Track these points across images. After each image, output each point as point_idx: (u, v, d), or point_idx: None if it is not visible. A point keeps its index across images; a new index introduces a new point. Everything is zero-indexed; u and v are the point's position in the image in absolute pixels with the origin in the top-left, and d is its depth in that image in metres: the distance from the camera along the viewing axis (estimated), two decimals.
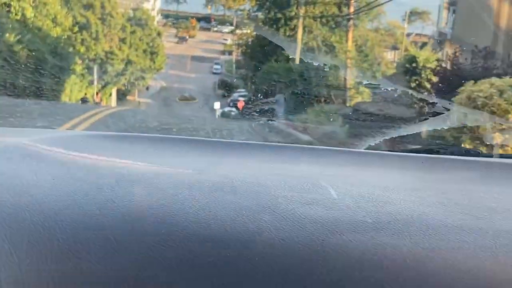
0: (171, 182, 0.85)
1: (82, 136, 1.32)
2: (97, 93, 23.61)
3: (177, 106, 45.73)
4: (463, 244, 0.65)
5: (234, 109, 41.24)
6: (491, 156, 1.38)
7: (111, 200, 0.71)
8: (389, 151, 1.37)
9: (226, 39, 47.30)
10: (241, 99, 40.49)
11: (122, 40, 26.04)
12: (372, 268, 0.59)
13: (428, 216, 0.74)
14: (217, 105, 37.21)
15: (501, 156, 1.41)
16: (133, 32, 26.55)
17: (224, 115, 40.46)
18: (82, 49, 22.46)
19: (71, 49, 20.89)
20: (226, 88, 50.59)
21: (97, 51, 23.69)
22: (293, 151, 1.24)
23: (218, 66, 54.55)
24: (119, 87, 27.62)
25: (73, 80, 19.23)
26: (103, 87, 25.47)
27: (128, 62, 26.45)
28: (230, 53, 51.55)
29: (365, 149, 1.53)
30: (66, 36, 20.01)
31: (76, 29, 21.49)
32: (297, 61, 13.98)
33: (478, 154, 1.44)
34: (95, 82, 22.22)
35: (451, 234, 0.68)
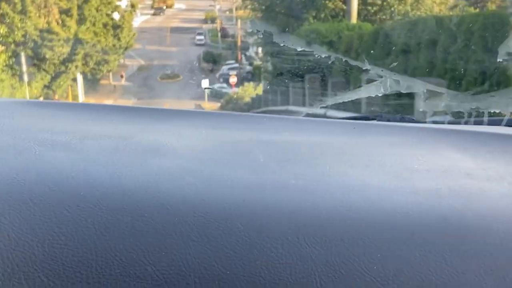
0: (94, 147, 0.83)
1: (7, 103, 1.24)
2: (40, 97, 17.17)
3: (159, 86, 40.87)
4: (380, 202, 0.68)
5: (225, 85, 36.41)
6: (425, 123, 1.43)
7: (31, 163, 0.72)
8: (324, 117, 1.51)
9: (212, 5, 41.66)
10: (232, 73, 35.55)
11: (66, 12, 18.71)
12: (291, 225, 0.60)
13: (350, 176, 0.77)
14: (205, 83, 32.31)
15: (434, 122, 1.45)
16: (85, 1, 19.17)
17: (214, 94, 35.44)
18: (2, 30, 16.18)
19: None
20: (212, 61, 45.67)
21: (26, 30, 17.02)
22: (230, 118, 1.23)
23: (201, 37, 49.60)
24: (66, 81, 20.02)
25: None
26: (49, 85, 18.90)
27: (78, 42, 18.88)
28: (213, 21, 45.81)
29: (303, 116, 1.53)
30: None
31: None
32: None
33: (413, 121, 1.44)
34: (25, 78, 15.67)
35: (370, 192, 0.70)
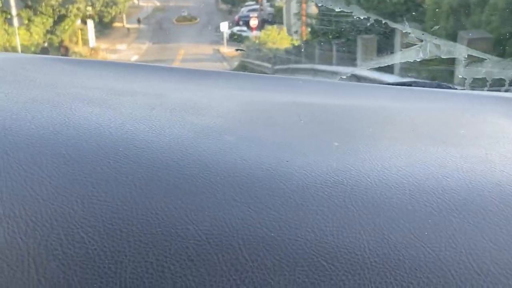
0: (130, 103, 0.80)
1: (40, 59, 1.20)
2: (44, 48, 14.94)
3: (175, 29, 39.00)
4: (429, 167, 0.65)
5: (244, 28, 34.40)
6: (463, 90, 1.39)
7: (68, 118, 0.70)
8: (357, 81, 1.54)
9: None
10: (253, 15, 33.48)
11: None
12: (338, 188, 0.58)
13: (396, 140, 0.74)
14: (223, 26, 30.41)
15: (473, 89, 1.44)
16: None
17: (233, 37, 33.46)
18: None
19: None
20: (231, 2, 43.37)
21: None
22: (262, 80, 1.21)
23: None
24: (72, 25, 17.62)
25: None
26: (52, 30, 16.45)
27: None
28: None
29: (340, 79, 1.51)
30: None
31: None
32: None
33: (450, 88, 1.39)
34: (15, 23, 13.43)
35: (418, 158, 0.67)
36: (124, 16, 37.21)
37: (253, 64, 14.46)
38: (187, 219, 0.51)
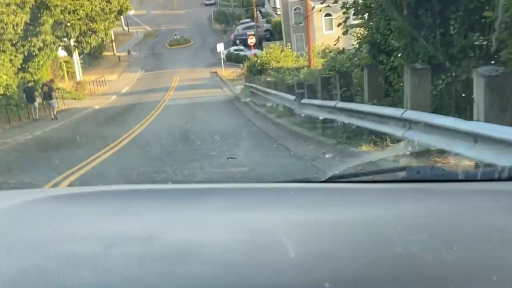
0: (120, 256, 0.78)
1: (15, 207, 1.16)
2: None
3: (168, 54, 36.93)
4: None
5: (242, 47, 32.29)
6: (457, 177, 1.32)
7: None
8: (351, 181, 1.36)
9: None
10: (249, 32, 31.40)
11: None
12: None
13: (393, 271, 0.73)
14: (219, 46, 28.33)
15: (466, 177, 1.32)
16: None
17: (230, 58, 31.29)
18: None
19: None
20: (225, 21, 41.36)
21: None
22: (245, 192, 1.21)
23: None
24: (48, 60, 15.44)
25: None
26: (24, 68, 14.30)
27: (42, 7, 13.67)
28: None
29: (325, 181, 1.35)
30: None
31: None
32: None
33: (443, 174, 1.38)
34: None
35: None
36: (113, 44, 35.20)
37: (260, 91, 12.21)
38: None
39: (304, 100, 7.56)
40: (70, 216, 1.05)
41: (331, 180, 1.33)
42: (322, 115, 6.34)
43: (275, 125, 8.29)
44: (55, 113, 13.83)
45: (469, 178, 1.32)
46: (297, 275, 0.72)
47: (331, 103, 5.97)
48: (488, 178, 1.30)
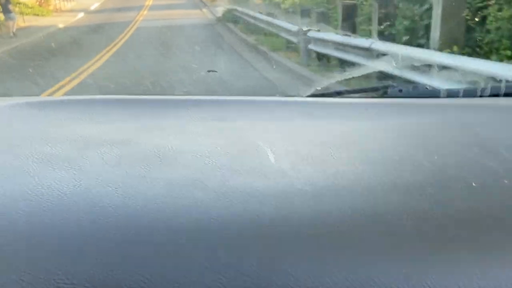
0: (96, 159, 0.79)
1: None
2: None
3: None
4: (400, 205, 0.66)
5: None
6: (438, 94, 1.33)
7: (26, 187, 0.69)
8: (334, 96, 1.37)
9: None
10: None
11: None
12: (312, 243, 0.58)
13: (370, 175, 0.73)
14: None
15: (449, 94, 1.33)
16: None
17: None
18: None
19: None
20: None
21: None
22: (226, 104, 1.18)
23: None
24: None
25: None
26: None
27: None
28: None
29: (307, 96, 1.36)
30: None
31: None
32: None
33: (427, 92, 1.37)
34: None
35: (395, 196, 0.68)
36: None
37: (248, 16, 10.61)
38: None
39: (312, 33, 6.06)
40: (44, 121, 1.03)
41: (313, 95, 1.33)
42: (341, 56, 4.88)
43: (273, 63, 6.73)
44: (14, 29, 12.54)
45: (451, 95, 1.31)
46: (277, 179, 0.71)
47: (363, 42, 4.50)
48: (470, 95, 1.30)
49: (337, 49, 5.01)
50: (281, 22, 7.74)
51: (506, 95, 1.24)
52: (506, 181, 0.70)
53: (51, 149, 0.82)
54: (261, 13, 9.71)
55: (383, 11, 4.58)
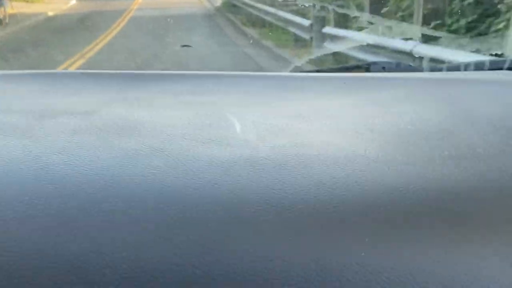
0: (51, 128, 0.78)
1: None
2: None
3: None
4: (376, 174, 0.64)
5: None
6: (422, 70, 1.35)
7: None
8: (313, 71, 1.34)
9: None
10: None
11: None
12: (271, 210, 0.56)
13: (340, 147, 0.71)
14: None
15: (432, 69, 1.34)
16: None
17: None
18: None
19: None
20: None
21: None
22: (201, 79, 1.16)
23: None
24: None
25: None
26: None
27: None
28: None
29: (290, 71, 1.36)
30: None
31: None
32: None
33: (410, 68, 1.41)
34: None
35: (367, 165, 0.66)
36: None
37: (250, 7, 9.92)
38: (105, 263, 0.49)
39: (328, 29, 5.35)
40: (8, 93, 1.02)
41: (294, 70, 1.24)
42: (368, 57, 4.07)
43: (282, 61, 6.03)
44: (6, 17, 11.95)
45: (435, 70, 1.27)
46: (241, 148, 0.69)
47: (402, 45, 3.70)
48: (453, 70, 1.28)
49: (361, 48, 4.28)
50: (289, 15, 7.07)
51: (491, 70, 1.23)
52: (480, 150, 0.69)
53: (5, 118, 0.81)
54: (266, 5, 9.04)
55: (429, 5, 3.73)
